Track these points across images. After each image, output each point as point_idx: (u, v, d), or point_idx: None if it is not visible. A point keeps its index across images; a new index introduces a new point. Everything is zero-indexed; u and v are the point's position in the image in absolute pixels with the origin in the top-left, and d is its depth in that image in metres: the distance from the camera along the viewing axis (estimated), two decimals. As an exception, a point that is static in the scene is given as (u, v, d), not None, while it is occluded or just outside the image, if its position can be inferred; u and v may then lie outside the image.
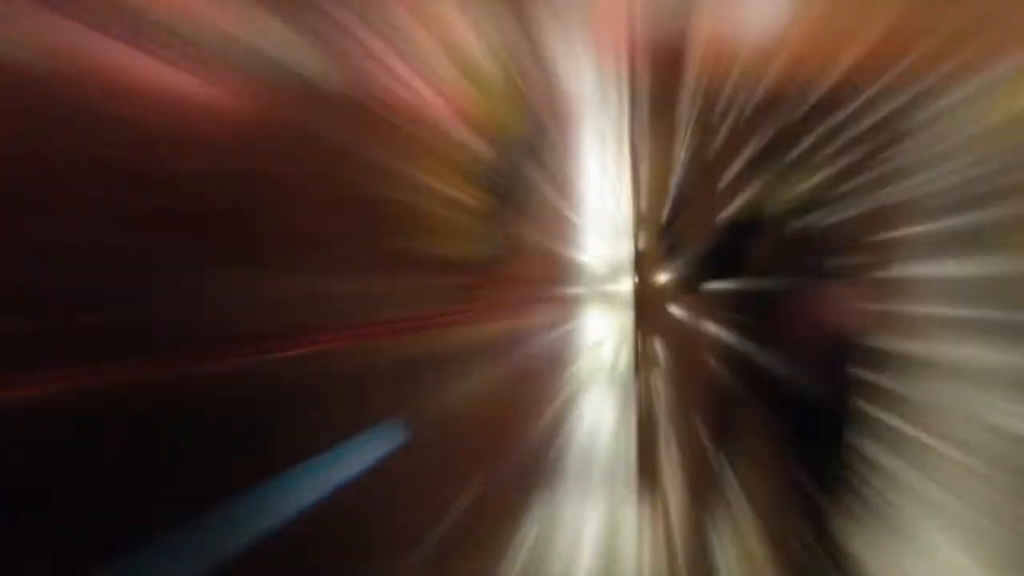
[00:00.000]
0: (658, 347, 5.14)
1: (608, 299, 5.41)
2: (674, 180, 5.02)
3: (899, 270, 4.61)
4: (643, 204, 5.14)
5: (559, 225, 5.89)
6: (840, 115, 4.66)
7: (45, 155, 2.49)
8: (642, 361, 5.21)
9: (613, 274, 5.38)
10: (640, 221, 5.17)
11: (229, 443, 2.90)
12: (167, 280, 2.96)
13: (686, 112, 5.02)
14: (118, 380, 2.55)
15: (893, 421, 4.71)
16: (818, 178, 4.60)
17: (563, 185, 5.83)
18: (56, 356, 2.53)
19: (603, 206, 5.37)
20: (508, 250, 4.78)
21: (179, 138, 3.53)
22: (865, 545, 4.40)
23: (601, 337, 5.49)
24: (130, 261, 2.64)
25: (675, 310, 5.03)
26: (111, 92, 2.91)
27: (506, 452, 3.90)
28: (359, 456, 2.91)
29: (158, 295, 2.92)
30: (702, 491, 5.05)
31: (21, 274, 2.39)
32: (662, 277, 5.10)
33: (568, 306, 5.39)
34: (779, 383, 4.38)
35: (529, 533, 3.57)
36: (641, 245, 5.17)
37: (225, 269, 3.96)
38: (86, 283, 2.41)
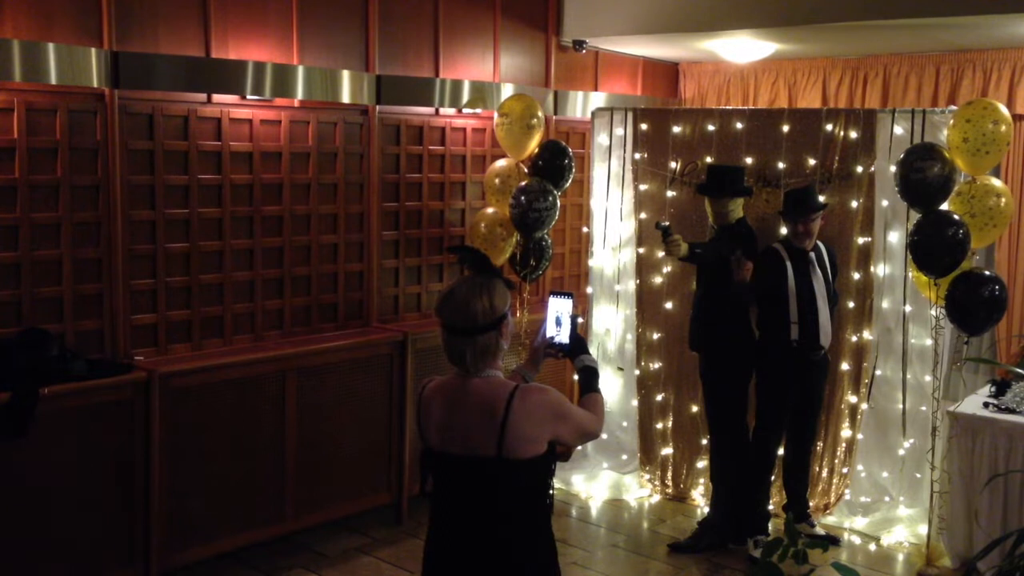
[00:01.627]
0: (655, 336, 5.76)
1: (615, 297, 5.96)
2: (669, 196, 5.63)
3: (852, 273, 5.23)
4: (643, 218, 5.75)
5: (575, 235, 6.58)
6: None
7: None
8: (643, 347, 5.81)
9: (619, 276, 5.92)
10: (641, 232, 5.75)
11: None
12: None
13: (677, 142, 5.64)
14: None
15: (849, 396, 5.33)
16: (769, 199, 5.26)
17: (579, 202, 6.53)
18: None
19: (609, 219, 5.92)
20: (537, 256, 5.48)
21: (246, 158, 4.64)
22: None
23: (609, 327, 6.02)
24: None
25: (668, 305, 5.67)
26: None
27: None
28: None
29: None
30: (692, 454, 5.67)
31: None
32: (659, 279, 5.70)
33: (584, 301, 5.99)
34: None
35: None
36: (642, 252, 5.78)
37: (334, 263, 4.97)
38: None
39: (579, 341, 2.81)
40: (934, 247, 4.57)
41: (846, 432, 5.34)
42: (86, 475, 4.06)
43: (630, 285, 5.85)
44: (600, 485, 5.86)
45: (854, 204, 5.22)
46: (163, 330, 4.56)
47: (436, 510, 2.61)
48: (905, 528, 5.19)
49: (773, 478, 5.16)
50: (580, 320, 5.44)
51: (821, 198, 5.00)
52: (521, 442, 2.43)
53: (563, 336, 2.77)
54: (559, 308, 2.78)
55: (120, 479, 4.18)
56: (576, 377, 2.82)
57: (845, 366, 5.29)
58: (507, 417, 2.42)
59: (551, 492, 2.60)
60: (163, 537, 4.30)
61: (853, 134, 5.20)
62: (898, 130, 5.13)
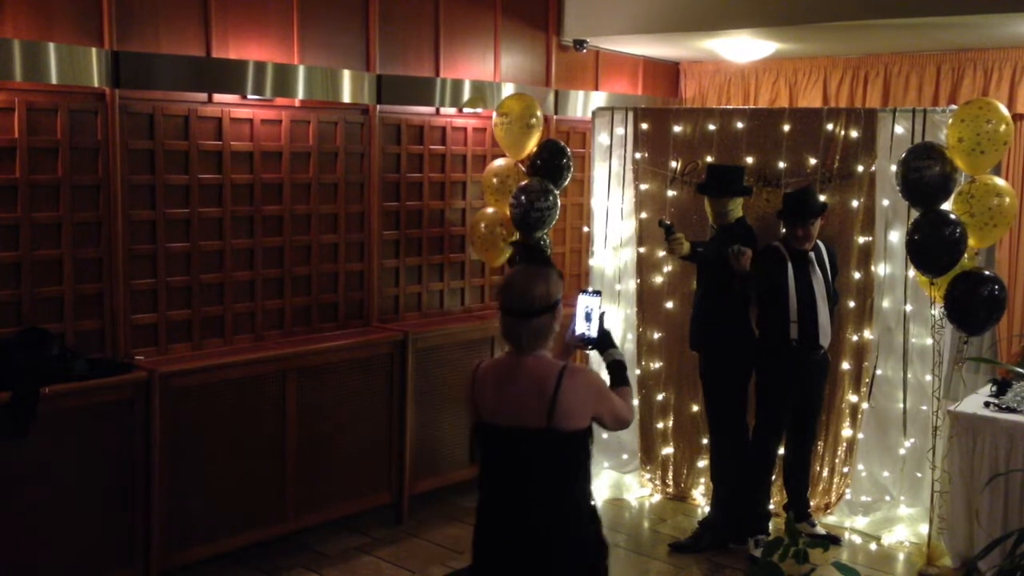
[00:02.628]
0: (656, 336, 5.75)
1: (616, 296, 5.91)
2: (669, 195, 5.63)
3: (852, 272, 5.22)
4: (644, 217, 5.73)
5: (576, 235, 6.58)
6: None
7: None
8: (643, 347, 5.80)
9: (619, 276, 5.88)
10: (641, 231, 5.74)
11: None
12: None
13: (678, 141, 5.62)
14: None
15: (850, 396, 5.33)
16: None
17: (576, 201, 6.52)
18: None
19: (610, 219, 5.89)
20: (535, 256, 5.47)
21: (248, 157, 4.63)
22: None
23: (610, 326, 5.97)
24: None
25: (669, 305, 5.67)
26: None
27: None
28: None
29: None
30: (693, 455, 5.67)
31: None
32: (659, 279, 5.70)
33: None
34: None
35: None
36: (642, 251, 5.76)
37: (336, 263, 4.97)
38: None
39: (607, 336, 3.05)
40: (931, 247, 4.57)
41: (847, 431, 5.34)
42: (86, 475, 4.06)
43: (631, 285, 5.84)
44: (601, 484, 5.86)
45: (855, 204, 5.20)
46: (163, 330, 4.56)
47: (487, 482, 2.84)
48: (906, 527, 5.18)
49: (773, 478, 5.15)
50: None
51: (821, 198, 5.00)
52: (568, 416, 2.68)
53: (592, 331, 2.99)
54: (588, 304, 2.99)
55: (120, 479, 4.18)
56: (605, 371, 3.03)
57: (846, 365, 5.28)
58: (557, 392, 2.67)
59: (590, 466, 2.82)
60: (163, 537, 4.30)
61: (854, 133, 5.19)
62: (899, 129, 5.12)
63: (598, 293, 3.03)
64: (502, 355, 2.85)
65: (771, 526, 5.06)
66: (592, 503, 2.85)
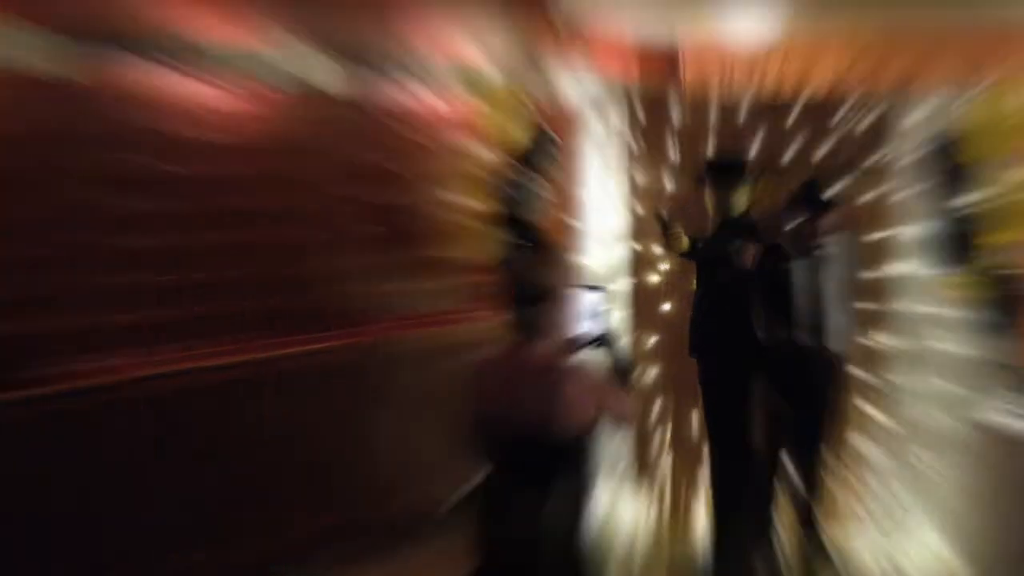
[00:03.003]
0: (652, 341, 5.45)
1: (609, 296, 5.68)
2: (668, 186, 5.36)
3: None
4: (639, 210, 5.44)
5: (563, 230, 6.30)
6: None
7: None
8: (638, 352, 5.49)
9: (612, 274, 5.61)
10: (636, 226, 5.45)
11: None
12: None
13: (677, 123, 5.34)
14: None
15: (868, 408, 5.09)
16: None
17: (565, 193, 6.25)
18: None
19: (602, 212, 5.64)
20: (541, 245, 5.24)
21: (205, 147, 4.30)
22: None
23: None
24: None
25: (666, 306, 5.38)
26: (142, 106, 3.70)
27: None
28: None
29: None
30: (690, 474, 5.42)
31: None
32: (656, 277, 5.43)
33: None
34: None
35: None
36: (637, 248, 5.47)
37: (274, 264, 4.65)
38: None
39: (610, 334, 3.15)
40: (950, 241, 4.46)
41: (860, 443, 5.09)
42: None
43: (624, 283, 5.50)
44: (595, 495, 5.59)
45: (868, 196, 4.97)
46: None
47: (488, 477, 2.88)
48: (923, 544, 4.95)
49: (781, 491, 4.86)
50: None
51: (831, 192, 4.73)
52: (574, 406, 2.75)
53: (595, 328, 3.14)
54: (591, 301, 3.12)
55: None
56: (608, 368, 3.18)
57: (859, 372, 5.02)
58: (560, 386, 2.76)
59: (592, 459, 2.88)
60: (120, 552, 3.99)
61: (867, 121, 4.97)
62: (916, 115, 4.89)
63: (601, 290, 2.98)
64: (504, 349, 2.89)
65: (778, 541, 4.75)
66: (592, 498, 2.92)
